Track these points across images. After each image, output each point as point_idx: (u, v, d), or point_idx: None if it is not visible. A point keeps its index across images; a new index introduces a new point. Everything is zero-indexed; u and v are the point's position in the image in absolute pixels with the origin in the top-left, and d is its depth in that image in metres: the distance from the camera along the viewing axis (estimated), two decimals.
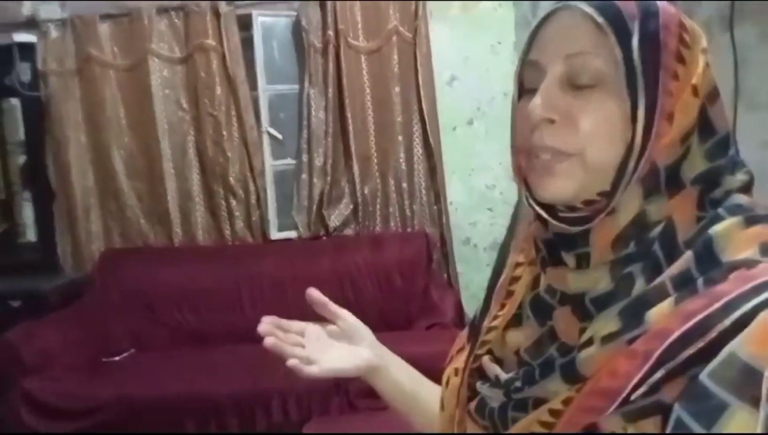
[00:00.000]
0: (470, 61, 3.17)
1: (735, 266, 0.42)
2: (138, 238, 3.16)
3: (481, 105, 3.20)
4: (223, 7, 3.02)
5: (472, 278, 3.15)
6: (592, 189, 0.50)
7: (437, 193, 3.12)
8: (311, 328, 0.77)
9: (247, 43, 3.12)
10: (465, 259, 3.19)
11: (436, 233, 3.12)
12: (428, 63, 3.06)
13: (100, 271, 3.02)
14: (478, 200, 3.23)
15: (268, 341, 0.72)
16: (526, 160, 0.53)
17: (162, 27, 3.07)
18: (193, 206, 3.14)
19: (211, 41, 3.03)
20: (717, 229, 0.46)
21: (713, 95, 0.50)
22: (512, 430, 0.54)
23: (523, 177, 0.55)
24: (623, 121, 0.48)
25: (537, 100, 0.50)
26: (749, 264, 0.42)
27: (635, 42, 0.48)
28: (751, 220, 0.46)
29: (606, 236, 0.51)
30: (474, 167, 3.22)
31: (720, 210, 0.48)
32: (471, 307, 2.94)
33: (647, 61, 0.48)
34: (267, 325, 0.74)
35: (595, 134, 0.49)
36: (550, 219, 0.53)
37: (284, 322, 0.76)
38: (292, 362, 0.71)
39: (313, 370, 0.73)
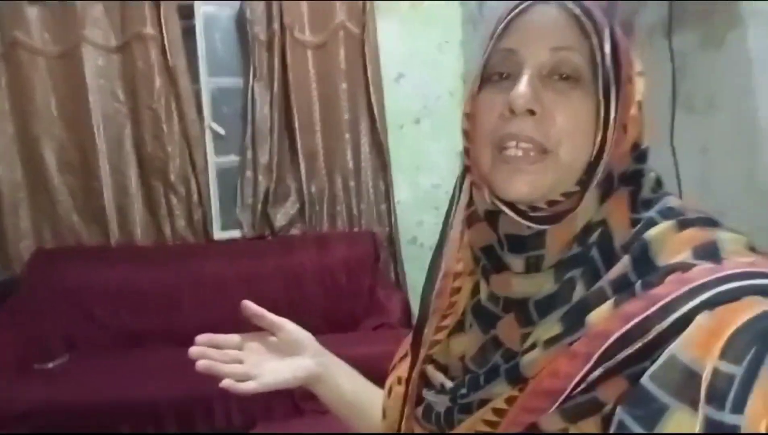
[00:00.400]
0: (417, 58, 3.16)
1: (671, 270, 0.43)
2: (71, 237, 2.99)
3: (428, 103, 3.19)
4: None
5: (418, 278, 3.11)
6: (558, 189, 0.50)
7: (384, 192, 3.09)
8: (250, 340, 0.74)
9: (189, 34, 3.00)
10: (411, 258, 3.18)
11: (384, 233, 3.10)
12: (376, 59, 3.03)
13: (31, 271, 2.85)
14: (425, 199, 3.23)
15: (200, 365, 0.69)
16: (489, 154, 0.52)
17: (96, 13, 2.90)
18: (130, 204, 3.00)
19: (149, 30, 2.90)
20: (651, 233, 0.47)
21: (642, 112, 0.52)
22: (457, 431, 0.54)
23: (483, 173, 0.53)
24: (594, 123, 0.49)
25: (521, 89, 0.49)
26: (684, 267, 0.43)
27: (608, 48, 0.49)
28: (684, 223, 0.47)
29: (562, 238, 0.51)
30: (420, 166, 3.22)
31: (653, 214, 0.50)
32: (417, 306, 2.94)
33: (614, 70, 0.49)
34: (198, 347, 0.71)
35: (571, 132, 0.49)
36: (513, 215, 0.52)
37: (220, 338, 0.73)
38: (225, 383, 0.68)
39: (249, 386, 0.70)
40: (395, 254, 3.09)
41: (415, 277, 3.14)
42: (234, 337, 0.74)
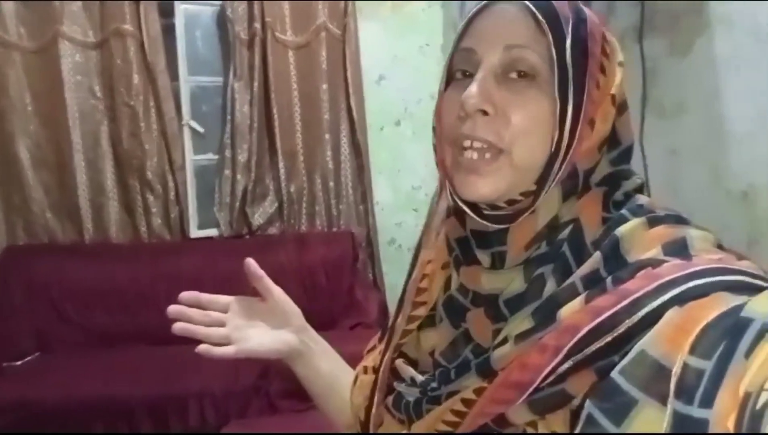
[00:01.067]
0: (399, 61, 3.18)
1: (641, 265, 0.44)
2: (44, 234, 2.94)
3: (409, 106, 3.21)
4: None
5: (396, 279, 3.15)
6: (516, 189, 0.50)
7: (364, 193, 3.10)
8: (236, 303, 0.73)
9: (169, 32, 2.98)
10: (390, 259, 3.19)
11: (362, 233, 3.10)
12: (357, 61, 3.04)
13: (2, 268, 2.80)
14: (404, 201, 3.24)
15: (176, 328, 0.68)
16: (450, 154, 0.53)
17: (74, 8, 2.87)
18: (106, 201, 2.96)
19: (128, 26, 2.87)
20: (622, 230, 0.48)
21: (623, 108, 0.52)
22: (426, 420, 0.55)
23: (446, 172, 0.54)
24: (551, 122, 0.49)
25: (473, 90, 0.49)
26: (654, 263, 0.43)
27: (568, 44, 0.49)
28: (653, 220, 0.48)
29: (523, 236, 0.51)
30: (400, 168, 3.23)
31: (623, 211, 0.50)
32: (395, 307, 2.94)
33: (577, 65, 0.49)
34: (177, 306, 0.70)
35: (526, 131, 0.49)
36: (473, 215, 0.52)
37: (205, 297, 0.72)
38: (200, 349, 0.68)
39: (227, 351, 0.69)
40: (373, 255, 3.10)
41: (393, 278, 3.15)
42: (220, 298, 0.73)
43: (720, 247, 0.47)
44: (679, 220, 0.49)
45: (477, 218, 0.52)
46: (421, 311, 0.61)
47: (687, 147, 1.19)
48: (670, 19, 1.21)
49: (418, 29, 3.18)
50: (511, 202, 0.51)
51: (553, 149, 0.49)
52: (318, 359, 0.74)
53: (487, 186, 0.50)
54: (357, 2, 3.05)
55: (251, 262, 0.71)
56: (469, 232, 0.54)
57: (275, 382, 2.34)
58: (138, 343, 2.67)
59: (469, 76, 0.52)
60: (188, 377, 2.36)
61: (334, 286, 2.87)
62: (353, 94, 3.01)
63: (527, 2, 0.50)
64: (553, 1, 0.50)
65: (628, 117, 0.53)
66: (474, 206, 0.52)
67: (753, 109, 1.01)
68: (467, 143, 0.50)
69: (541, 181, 0.50)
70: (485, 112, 0.49)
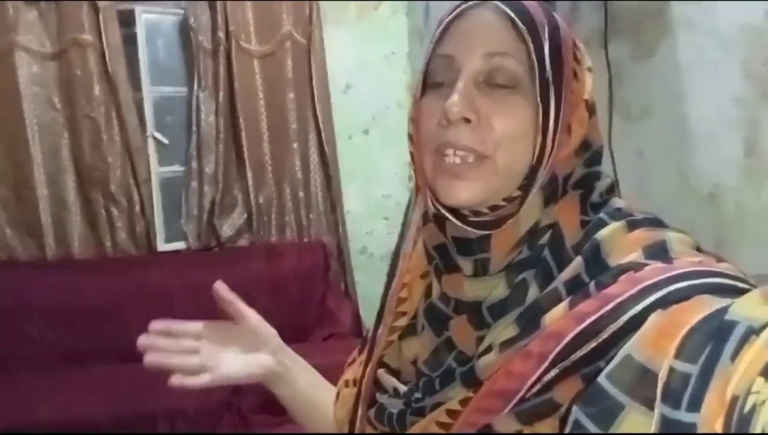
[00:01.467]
0: (365, 69, 3.18)
1: (623, 269, 0.44)
2: (3, 251, 2.84)
3: (377, 114, 3.21)
4: (102, 1, 2.81)
5: (369, 287, 3.14)
6: (499, 194, 0.50)
7: (333, 202, 3.08)
8: (209, 328, 0.70)
9: (130, 41, 2.92)
10: (362, 268, 3.17)
11: (333, 242, 3.08)
12: (323, 69, 3.03)
13: None
14: (375, 209, 3.24)
15: (148, 359, 0.66)
16: (431, 161, 0.52)
17: (30, 18, 2.79)
18: (67, 216, 2.87)
19: (87, 36, 2.80)
20: (602, 234, 0.48)
21: (593, 111, 0.52)
22: (410, 431, 0.54)
23: (426, 179, 0.53)
24: (533, 128, 0.49)
25: (455, 98, 0.49)
26: (636, 267, 0.43)
27: (546, 51, 0.49)
28: (633, 224, 0.48)
29: (506, 242, 0.51)
30: (370, 176, 3.22)
31: (602, 215, 0.50)
32: (369, 316, 2.93)
33: (554, 71, 0.49)
34: (148, 336, 0.68)
35: (509, 138, 0.49)
36: (456, 221, 0.52)
37: (176, 326, 0.70)
38: (174, 381, 0.66)
39: (202, 380, 0.67)
40: (345, 264, 3.08)
41: (365, 287, 3.13)
42: (191, 326, 0.70)
43: (698, 249, 0.47)
44: (657, 223, 0.49)
45: (459, 224, 0.51)
46: (402, 321, 0.60)
47: (653, 149, 1.21)
48: (633, 23, 1.23)
49: (383, 37, 3.19)
50: (493, 208, 0.51)
51: (536, 155, 0.49)
52: (295, 378, 0.72)
53: (469, 191, 0.50)
54: (322, 11, 3.03)
55: (221, 286, 0.69)
56: (450, 239, 0.54)
57: (248, 398, 2.30)
58: (104, 361, 2.59)
59: (445, 84, 0.51)
60: (158, 394, 2.29)
61: (306, 297, 2.84)
62: (320, 102, 2.99)
63: (504, 8, 0.50)
64: (527, 5, 0.50)
65: (597, 120, 0.53)
66: (456, 212, 0.52)
67: (716, 110, 1.03)
68: (450, 151, 0.50)
69: (525, 186, 0.50)
70: (468, 120, 0.49)
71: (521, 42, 0.49)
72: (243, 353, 0.70)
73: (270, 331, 0.72)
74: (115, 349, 2.61)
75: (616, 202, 0.52)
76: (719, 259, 0.44)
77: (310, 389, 0.73)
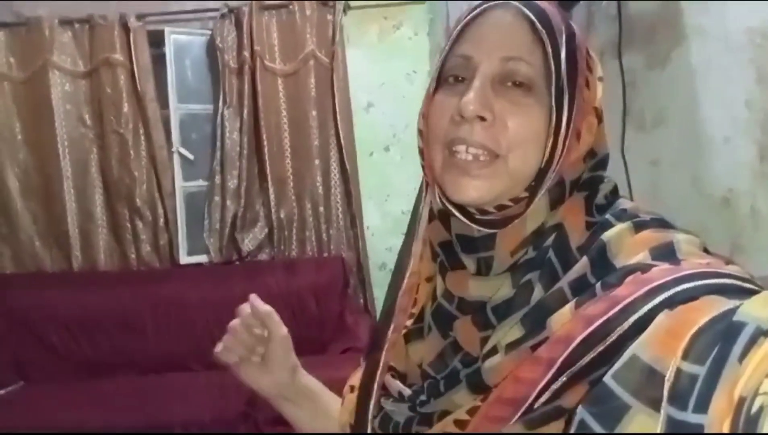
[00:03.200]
0: (386, 88, 3.22)
1: (630, 270, 0.43)
2: (32, 263, 2.92)
3: (397, 132, 3.24)
4: (133, 22, 2.91)
5: None
6: (507, 194, 0.50)
7: (353, 218, 3.10)
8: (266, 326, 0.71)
9: (159, 60, 3.02)
10: (381, 284, 3.17)
11: (353, 258, 3.09)
12: (345, 88, 3.07)
13: None
14: (394, 225, 3.24)
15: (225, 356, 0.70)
16: (441, 156, 0.52)
17: (65, 39, 2.91)
18: (94, 229, 2.95)
19: (118, 56, 2.91)
20: (609, 235, 0.48)
21: (601, 119, 0.53)
22: None
23: (435, 174, 0.53)
24: (545, 131, 0.49)
25: (471, 96, 0.49)
26: (643, 268, 0.43)
27: (563, 57, 0.49)
28: (639, 225, 0.48)
29: (511, 242, 0.51)
30: (390, 193, 3.24)
31: (608, 216, 0.50)
32: (381, 307, 2.91)
33: (569, 77, 0.49)
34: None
35: (522, 139, 0.49)
36: (462, 218, 0.52)
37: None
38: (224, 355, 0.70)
39: (235, 369, 0.71)
40: (364, 279, 3.08)
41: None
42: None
43: (706, 250, 0.46)
44: (663, 223, 0.49)
45: (466, 221, 0.52)
46: (408, 322, 0.60)
47: (667, 157, 1.21)
48: (647, 33, 1.24)
49: (404, 57, 3.23)
50: (500, 208, 0.51)
51: (547, 158, 0.49)
52: (297, 412, 0.73)
53: (478, 188, 0.50)
54: (345, 31, 3.10)
55: (256, 299, 0.70)
56: (455, 237, 0.54)
57: (263, 410, 2.30)
58: (125, 372, 2.63)
59: (461, 81, 0.52)
60: (175, 406, 2.32)
61: (325, 312, 2.85)
62: (342, 120, 3.04)
63: (525, 10, 0.50)
64: (546, 8, 0.51)
65: (604, 128, 0.53)
66: (462, 209, 0.52)
67: (729, 115, 1.02)
68: (462, 147, 0.50)
69: (533, 188, 0.50)
70: (483, 118, 0.49)
71: (539, 45, 0.49)
72: (254, 371, 0.71)
73: (285, 364, 0.72)
74: (136, 361, 2.67)
75: (622, 203, 0.52)
76: (728, 262, 0.44)
77: (311, 417, 0.74)
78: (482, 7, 0.52)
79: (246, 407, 2.31)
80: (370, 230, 3.20)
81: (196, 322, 2.75)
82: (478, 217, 0.51)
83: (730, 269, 0.42)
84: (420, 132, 0.56)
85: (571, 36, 0.50)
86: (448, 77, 0.53)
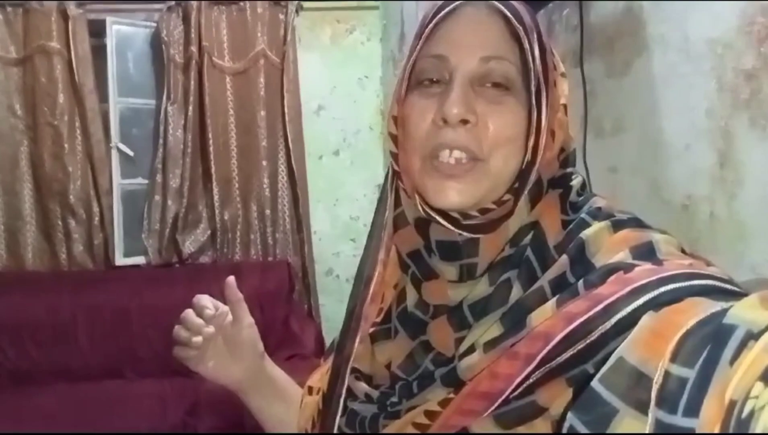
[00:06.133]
0: (338, 92, 3.19)
1: (612, 269, 0.43)
2: None
3: (347, 136, 3.22)
4: (73, 9, 2.76)
5: (333, 310, 3.09)
6: (489, 197, 0.49)
7: (300, 222, 3.04)
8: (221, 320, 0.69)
9: (100, 51, 2.87)
10: (327, 290, 3.13)
11: (299, 263, 3.03)
12: (295, 89, 3.03)
13: None
14: (342, 231, 3.21)
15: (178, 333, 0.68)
16: (421, 161, 0.50)
17: None
18: (22, 226, 2.77)
19: (55, 44, 2.75)
20: (587, 233, 0.48)
21: (566, 115, 0.53)
22: (385, 430, 0.51)
23: (414, 180, 0.51)
24: (524, 130, 0.49)
25: (454, 99, 0.48)
26: (626, 267, 0.43)
27: (537, 54, 0.48)
28: (617, 224, 0.48)
29: (495, 246, 0.50)
30: (339, 197, 3.21)
31: (584, 215, 0.50)
32: (331, 338, 2.86)
33: (544, 73, 0.49)
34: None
35: (503, 140, 0.48)
36: (447, 224, 0.50)
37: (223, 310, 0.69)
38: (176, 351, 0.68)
39: (192, 364, 0.69)
40: (309, 285, 3.03)
41: (330, 309, 3.08)
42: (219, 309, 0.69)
43: (683, 250, 0.47)
44: (640, 223, 0.49)
45: (450, 226, 0.50)
46: (370, 329, 0.59)
47: (626, 163, 1.23)
48: (608, 42, 1.27)
49: (357, 62, 3.22)
50: (483, 211, 0.50)
51: (529, 157, 0.49)
52: (267, 401, 0.72)
53: (462, 192, 0.48)
54: (297, 32, 3.05)
55: (232, 282, 0.69)
56: (435, 243, 0.52)
57: (204, 419, 2.21)
58: (56, 380, 2.47)
59: (437, 82, 0.50)
60: (112, 416, 2.20)
61: (270, 317, 2.76)
62: (291, 122, 2.98)
63: (500, 7, 0.49)
64: (517, 6, 0.50)
65: (568, 124, 0.53)
66: (445, 215, 0.50)
67: (689, 123, 1.05)
68: (445, 153, 0.49)
69: (518, 189, 0.49)
70: (467, 122, 0.48)
71: (514, 43, 0.49)
72: (222, 359, 0.69)
73: (254, 349, 0.71)
74: (67, 369, 2.52)
75: (596, 202, 0.52)
76: (708, 263, 0.44)
77: (284, 415, 0.72)
78: (453, 5, 0.50)
79: (186, 416, 2.21)
80: (318, 235, 3.15)
81: (133, 327, 2.62)
82: (462, 222, 0.50)
83: (711, 270, 0.42)
84: (392, 136, 0.53)
85: (540, 33, 0.50)
86: (422, 80, 0.51)
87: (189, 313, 0.68)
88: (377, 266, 0.57)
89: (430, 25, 0.50)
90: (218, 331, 0.68)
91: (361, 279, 0.59)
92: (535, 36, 0.49)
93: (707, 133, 1.00)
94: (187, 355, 0.67)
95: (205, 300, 0.68)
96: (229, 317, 0.70)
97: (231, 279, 0.69)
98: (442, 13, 0.50)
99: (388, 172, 0.58)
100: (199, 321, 0.67)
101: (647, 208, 1.12)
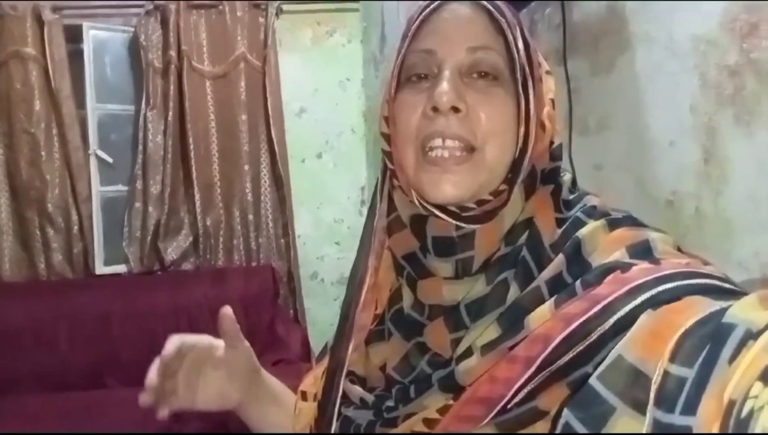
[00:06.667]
0: (319, 94, 3.18)
1: (609, 269, 0.43)
2: None
3: (330, 139, 3.21)
4: (48, 14, 2.71)
5: (319, 313, 3.07)
6: (487, 188, 0.49)
7: (284, 226, 3.02)
8: (198, 352, 0.65)
9: (77, 57, 2.83)
10: (312, 293, 3.11)
11: (283, 267, 3.00)
12: (277, 92, 3.00)
13: None
14: (327, 234, 3.20)
15: (144, 399, 0.62)
16: (415, 156, 0.50)
17: None
18: None
19: (30, 50, 2.70)
20: (583, 232, 0.47)
21: (555, 109, 0.53)
22: None
23: (409, 177, 0.51)
24: (514, 120, 0.49)
25: (444, 86, 0.48)
26: (623, 266, 0.42)
27: (521, 46, 0.49)
28: (612, 223, 0.48)
29: (491, 238, 0.50)
30: (322, 200, 3.19)
31: (578, 214, 0.50)
32: (317, 342, 2.85)
33: (529, 65, 0.49)
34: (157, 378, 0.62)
35: (496, 129, 0.49)
36: (444, 217, 0.50)
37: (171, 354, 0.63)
38: (144, 401, 0.62)
39: (171, 406, 0.63)
40: (294, 289, 3.00)
41: (315, 313, 3.06)
42: (187, 343, 0.64)
43: (679, 249, 0.47)
44: (635, 221, 0.49)
45: (449, 219, 0.50)
46: (363, 334, 0.58)
47: (611, 161, 1.24)
48: (592, 40, 1.27)
49: (338, 64, 3.21)
50: (480, 203, 0.49)
51: (521, 147, 0.49)
52: (265, 411, 0.70)
53: (458, 184, 0.48)
54: (277, 35, 3.03)
55: (228, 314, 0.64)
56: (431, 240, 0.52)
57: (191, 423, 2.17)
58: (36, 390, 2.42)
59: (425, 78, 0.51)
60: (93, 424, 2.15)
61: (254, 323, 2.74)
62: (273, 125, 2.96)
63: (483, 2, 0.50)
64: (498, 3, 0.51)
65: (556, 119, 0.54)
66: (442, 209, 0.50)
67: (673, 119, 1.06)
68: (438, 142, 0.49)
69: (512, 179, 0.49)
70: (458, 110, 0.48)
71: (499, 36, 0.49)
72: (217, 383, 0.66)
73: (250, 370, 0.68)
74: (47, 379, 2.46)
75: (590, 200, 0.52)
76: (705, 262, 0.44)
77: (280, 421, 0.70)
78: (438, 3, 0.51)
79: (171, 422, 2.17)
80: (302, 238, 3.13)
81: (114, 335, 2.58)
82: (459, 214, 0.50)
83: (708, 269, 0.42)
84: (384, 135, 0.53)
85: (522, 30, 0.51)
86: (410, 76, 0.51)
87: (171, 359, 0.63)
88: (369, 272, 0.57)
89: (416, 23, 0.51)
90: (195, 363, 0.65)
91: (354, 284, 0.59)
92: (518, 31, 0.50)
93: (692, 130, 1.00)
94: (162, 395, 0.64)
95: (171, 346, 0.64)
96: (219, 349, 0.66)
97: (228, 311, 0.64)
98: (428, 10, 0.51)
99: (377, 179, 0.58)
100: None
101: (633, 205, 1.12)
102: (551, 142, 0.52)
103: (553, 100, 0.52)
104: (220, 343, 0.66)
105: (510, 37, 0.49)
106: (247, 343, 0.67)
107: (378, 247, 0.57)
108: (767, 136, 0.89)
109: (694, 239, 1.01)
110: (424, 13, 0.51)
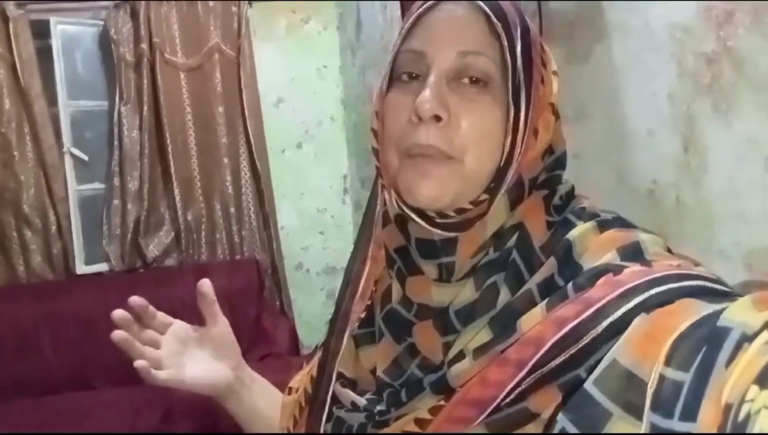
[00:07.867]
0: (296, 83, 3.14)
1: (601, 271, 0.43)
2: None
3: (309, 128, 3.17)
4: (12, 10, 2.63)
5: (305, 305, 3.07)
6: (466, 197, 0.49)
7: (266, 218, 2.99)
8: (177, 326, 0.68)
9: (45, 53, 2.75)
10: (298, 284, 3.10)
11: (267, 259, 2.99)
12: (253, 83, 2.96)
13: None
14: (310, 224, 3.18)
15: (117, 335, 0.64)
16: (397, 158, 0.50)
17: None
18: None
19: None
20: (573, 234, 0.47)
21: (557, 116, 0.52)
22: None
23: (390, 178, 0.51)
24: (501, 129, 0.48)
25: (427, 94, 0.47)
26: (615, 269, 0.42)
27: (519, 51, 0.48)
28: (603, 224, 0.48)
29: (472, 245, 0.50)
30: (304, 190, 3.17)
31: (568, 215, 0.50)
32: (305, 333, 2.86)
33: (525, 72, 0.48)
34: (123, 313, 0.64)
35: (477, 138, 0.48)
36: (421, 222, 0.49)
37: (152, 311, 0.67)
38: (139, 365, 0.63)
39: (160, 375, 0.63)
40: (279, 281, 2.99)
41: (301, 304, 3.06)
42: (164, 318, 0.68)
43: (669, 250, 0.47)
44: (625, 223, 0.49)
45: (425, 225, 0.49)
46: (354, 332, 0.58)
47: (590, 150, 1.24)
48: (568, 29, 1.26)
49: (314, 52, 3.17)
50: (459, 211, 0.49)
51: (505, 157, 0.48)
52: (254, 398, 0.70)
53: (435, 189, 0.47)
54: (251, 24, 2.98)
55: (206, 284, 0.68)
56: (414, 241, 0.51)
57: (179, 425, 2.17)
58: (20, 395, 2.39)
59: (415, 78, 0.50)
60: (82, 426, 2.14)
61: (240, 317, 2.72)
62: (251, 116, 2.92)
63: (480, 3, 0.49)
64: (501, 3, 0.49)
65: (560, 125, 0.53)
66: (420, 213, 0.49)
67: (652, 108, 1.06)
68: (417, 150, 0.48)
69: (493, 189, 0.49)
70: (439, 118, 0.47)
71: (495, 39, 0.48)
72: (203, 362, 0.68)
73: (234, 345, 0.70)
74: (30, 383, 2.43)
75: (581, 202, 0.52)
76: (696, 263, 0.44)
77: (269, 410, 0.70)
78: (432, 2, 0.50)
79: (159, 423, 2.17)
80: (285, 230, 3.11)
81: (99, 336, 2.52)
82: (438, 220, 0.49)
83: (700, 271, 0.42)
84: (374, 132, 0.53)
85: (526, 30, 0.49)
86: (400, 74, 0.51)
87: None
88: (366, 262, 0.57)
89: (410, 21, 0.50)
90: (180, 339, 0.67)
91: (350, 275, 0.59)
92: (519, 33, 0.48)
93: (670, 119, 1.00)
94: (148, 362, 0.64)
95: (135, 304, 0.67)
96: (200, 329, 0.69)
97: (206, 282, 0.67)
98: (422, 8, 0.50)
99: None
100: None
101: (613, 194, 1.13)
102: (550, 150, 0.51)
103: (552, 105, 0.51)
104: (200, 328, 0.68)
105: (505, 42, 0.47)
106: (225, 320, 0.69)
107: (379, 235, 0.57)
108: (745, 124, 0.89)
109: (675, 229, 1.01)
110: (418, 11, 0.50)
